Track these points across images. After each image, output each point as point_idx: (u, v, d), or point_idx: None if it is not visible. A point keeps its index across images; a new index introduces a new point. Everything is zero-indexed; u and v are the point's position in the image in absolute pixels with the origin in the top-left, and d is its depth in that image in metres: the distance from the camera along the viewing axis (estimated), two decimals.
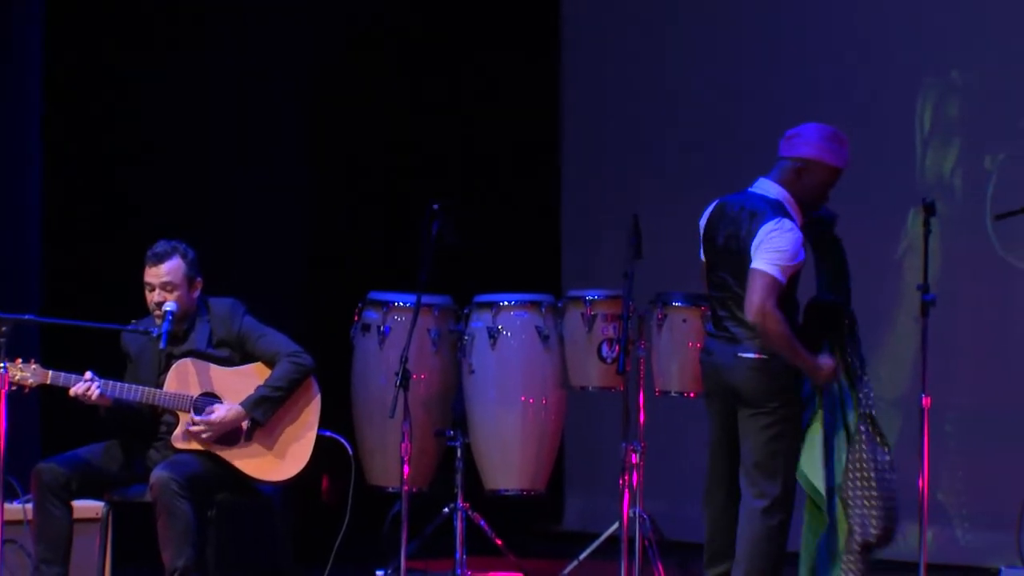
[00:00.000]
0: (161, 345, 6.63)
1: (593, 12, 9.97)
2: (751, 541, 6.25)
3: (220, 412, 6.66)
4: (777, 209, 6.23)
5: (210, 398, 6.70)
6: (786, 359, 6.23)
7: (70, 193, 8.48)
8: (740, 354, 6.29)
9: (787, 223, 6.22)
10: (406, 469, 6.90)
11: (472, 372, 7.84)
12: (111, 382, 6.62)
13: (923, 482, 6.74)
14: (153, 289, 6.74)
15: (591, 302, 7.73)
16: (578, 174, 10.00)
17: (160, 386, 6.70)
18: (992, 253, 8.50)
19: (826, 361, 6.26)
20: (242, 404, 6.67)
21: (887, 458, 6.33)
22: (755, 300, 6.16)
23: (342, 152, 9.42)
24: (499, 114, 9.81)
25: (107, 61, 8.61)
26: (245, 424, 6.68)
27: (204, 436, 6.64)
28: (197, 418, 6.64)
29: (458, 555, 7.73)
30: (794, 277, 6.26)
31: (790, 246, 6.18)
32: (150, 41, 8.71)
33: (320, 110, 9.29)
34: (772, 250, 6.18)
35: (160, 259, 6.73)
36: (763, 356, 6.25)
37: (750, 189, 6.40)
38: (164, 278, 6.72)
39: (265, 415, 6.68)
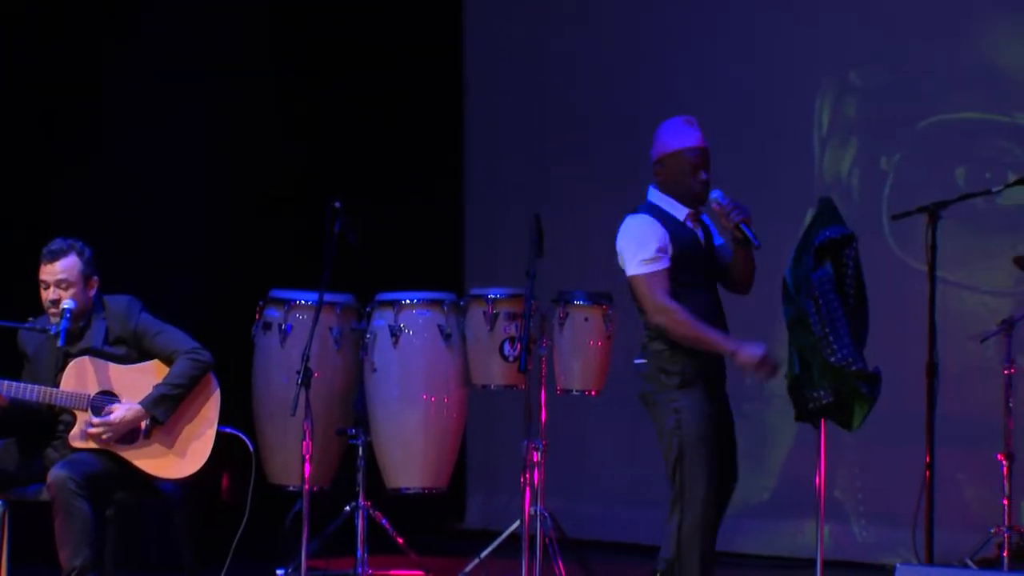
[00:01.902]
0: (60, 343, 6.58)
1: (496, 12, 9.99)
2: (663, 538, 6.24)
3: (119, 412, 6.61)
4: (633, 212, 6.22)
5: (108, 396, 6.66)
6: (703, 348, 6.09)
7: None
8: (634, 362, 6.30)
9: (629, 220, 6.19)
10: (307, 467, 6.90)
11: (374, 370, 7.84)
12: (8, 382, 6.57)
13: (820, 479, 6.81)
14: (48, 287, 6.68)
15: (493, 300, 7.74)
16: (480, 173, 10.02)
17: (57, 385, 6.64)
18: (889, 253, 8.60)
19: (751, 349, 6.05)
20: (141, 403, 6.63)
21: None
22: (647, 304, 6.10)
23: (243, 149, 9.38)
24: (402, 112, 9.81)
25: (24, 71, 8.58)
26: (145, 423, 6.63)
27: (104, 437, 6.59)
28: (96, 420, 6.58)
29: (359, 553, 7.72)
30: (684, 258, 6.16)
31: (634, 237, 6.12)
32: (67, 50, 8.69)
33: (221, 107, 9.26)
34: (626, 252, 6.14)
35: (55, 256, 6.68)
36: (642, 360, 6.24)
37: None
38: (59, 275, 6.67)
39: (166, 413, 6.64)
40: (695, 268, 6.21)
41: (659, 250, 6.10)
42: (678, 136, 6.23)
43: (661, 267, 6.10)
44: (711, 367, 6.20)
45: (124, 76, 8.86)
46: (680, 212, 6.23)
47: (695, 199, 6.25)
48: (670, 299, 6.07)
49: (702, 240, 6.26)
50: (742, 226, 6.14)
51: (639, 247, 6.12)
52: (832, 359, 6.38)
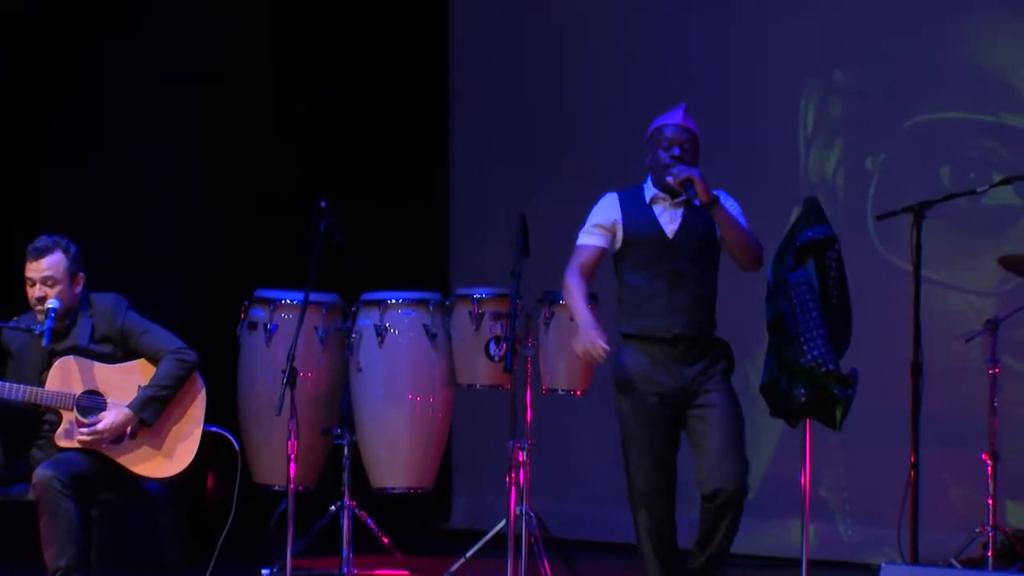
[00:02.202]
0: (44, 342, 6.57)
1: (482, 10, 9.99)
2: None
3: (108, 418, 6.60)
4: None
5: (93, 396, 6.65)
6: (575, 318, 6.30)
7: None
8: None
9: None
10: (293, 467, 6.89)
11: (360, 370, 7.83)
12: None
13: (805, 478, 6.82)
14: (34, 284, 6.68)
15: (479, 300, 7.74)
16: (466, 173, 10.02)
17: (42, 384, 6.63)
18: (874, 253, 8.62)
19: (590, 331, 6.19)
20: (129, 406, 6.62)
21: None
22: None
23: (229, 148, 9.37)
24: (388, 113, 9.81)
25: (24, 70, 8.58)
26: (132, 425, 6.63)
27: (93, 442, 6.58)
28: (85, 430, 6.57)
29: (345, 553, 7.71)
30: (633, 240, 6.26)
31: (591, 211, 6.38)
32: (67, 50, 8.69)
33: (208, 104, 9.24)
34: None
35: (41, 254, 6.68)
36: None
37: None
38: (45, 273, 6.66)
39: (154, 415, 6.63)
40: (644, 252, 6.29)
41: (595, 226, 6.36)
42: (664, 116, 6.35)
43: (587, 242, 6.36)
44: (648, 366, 6.26)
45: (123, 76, 8.85)
46: (649, 193, 6.30)
47: (663, 174, 6.28)
48: (575, 272, 6.31)
49: (670, 224, 6.27)
50: (684, 184, 6.18)
51: (586, 221, 6.38)
52: (802, 360, 6.42)
